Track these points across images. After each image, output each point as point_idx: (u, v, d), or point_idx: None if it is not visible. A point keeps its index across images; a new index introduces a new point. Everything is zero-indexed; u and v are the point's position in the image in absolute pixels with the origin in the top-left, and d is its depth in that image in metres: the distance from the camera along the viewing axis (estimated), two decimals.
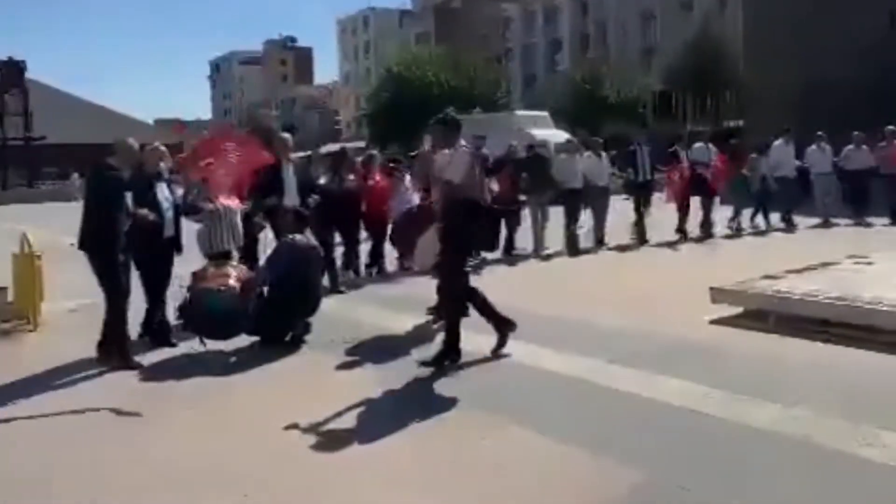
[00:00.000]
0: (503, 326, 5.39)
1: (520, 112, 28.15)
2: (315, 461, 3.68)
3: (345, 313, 6.78)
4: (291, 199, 7.28)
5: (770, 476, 3.34)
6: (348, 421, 4.19)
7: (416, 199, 8.10)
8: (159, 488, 3.44)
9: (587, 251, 10.70)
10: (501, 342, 5.40)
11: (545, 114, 27.86)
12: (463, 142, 5.36)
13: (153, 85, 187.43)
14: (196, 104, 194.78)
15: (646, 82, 41.85)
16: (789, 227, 12.39)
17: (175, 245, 5.95)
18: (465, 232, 5.18)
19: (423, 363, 5.16)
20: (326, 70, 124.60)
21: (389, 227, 8.07)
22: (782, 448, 3.62)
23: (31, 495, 3.43)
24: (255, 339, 5.73)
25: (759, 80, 26.01)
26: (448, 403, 4.44)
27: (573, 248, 10.67)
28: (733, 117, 34.60)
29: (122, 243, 5.41)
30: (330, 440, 3.92)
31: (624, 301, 7.07)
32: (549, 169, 10.74)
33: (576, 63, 50.22)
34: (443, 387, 4.74)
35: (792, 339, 5.44)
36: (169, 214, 5.85)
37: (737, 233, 12.04)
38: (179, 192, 6.28)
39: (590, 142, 12.10)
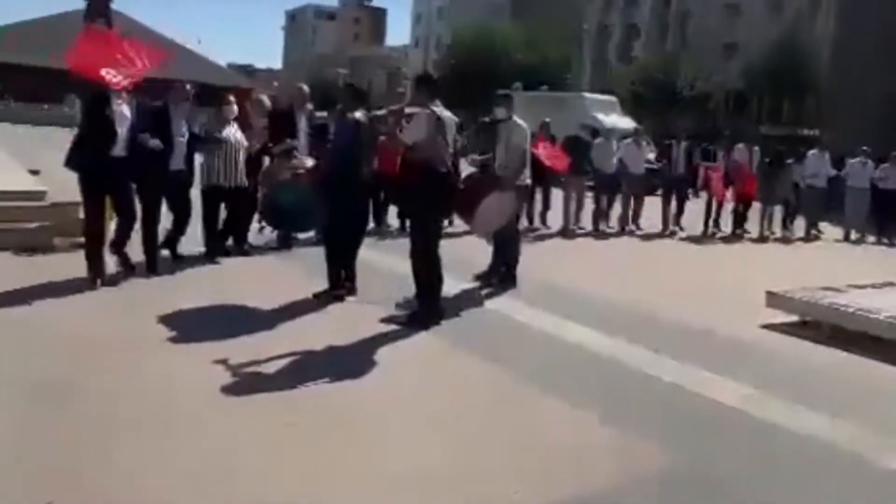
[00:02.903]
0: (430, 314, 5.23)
1: (588, 95, 27.53)
2: (351, 406, 3.81)
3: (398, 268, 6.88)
4: (301, 147, 7.40)
5: (801, 478, 3.35)
6: (386, 374, 4.32)
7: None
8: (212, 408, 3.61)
9: (614, 235, 11.04)
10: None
11: (614, 99, 27.25)
12: (438, 104, 5.24)
13: (230, 29, 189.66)
14: (269, 53, 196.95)
15: (722, 79, 40.64)
16: (813, 236, 12.43)
17: (186, 178, 6.29)
18: (421, 194, 5.12)
19: (395, 319, 5.19)
20: (397, 32, 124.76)
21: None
22: (818, 454, 3.60)
23: (60, 396, 3.64)
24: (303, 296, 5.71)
25: (842, 89, 25.05)
26: (488, 373, 4.51)
27: (599, 231, 10.97)
28: (810, 125, 33.46)
29: (112, 164, 5.55)
30: (370, 396, 4.05)
31: (667, 291, 7.05)
32: (588, 152, 11.09)
33: (651, 51, 49.00)
34: (483, 356, 4.79)
35: (845, 354, 5.33)
36: (181, 146, 6.13)
37: (764, 238, 11.90)
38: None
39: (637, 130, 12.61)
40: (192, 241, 6.81)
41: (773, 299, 6.14)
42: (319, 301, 5.60)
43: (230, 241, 7.10)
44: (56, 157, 5.99)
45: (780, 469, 3.42)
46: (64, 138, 6.60)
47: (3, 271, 5.83)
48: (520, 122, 6.70)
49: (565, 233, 10.66)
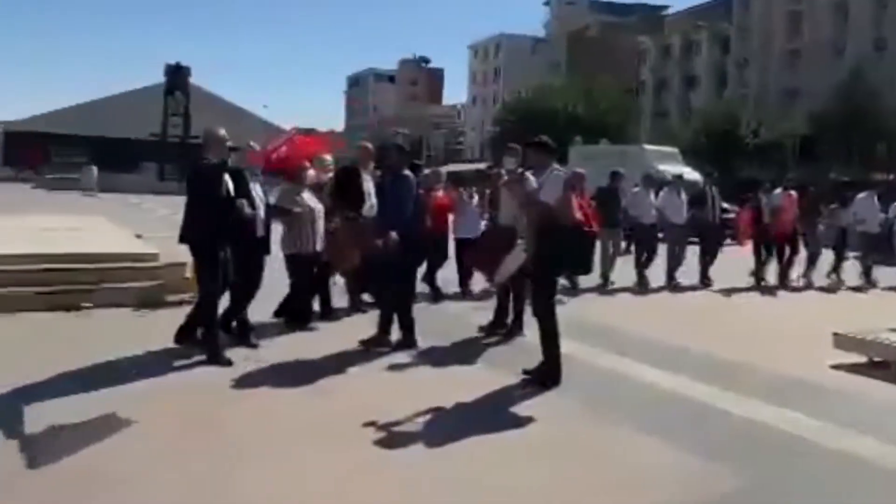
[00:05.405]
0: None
1: (649, 147, 27.81)
2: (434, 442, 4.22)
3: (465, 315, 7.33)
4: (369, 206, 6.97)
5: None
6: (471, 413, 4.74)
7: (478, 214, 8.75)
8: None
9: (657, 289, 10.34)
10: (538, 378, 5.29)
11: (675, 150, 27.48)
12: (556, 166, 5.54)
13: (294, 93, 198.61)
14: (331, 116, 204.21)
15: (788, 126, 40.14)
16: (868, 283, 11.68)
17: (264, 246, 6.07)
18: (556, 255, 5.31)
19: (525, 371, 5.36)
20: (455, 92, 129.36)
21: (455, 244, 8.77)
22: (887, 481, 3.84)
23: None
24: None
25: None
26: (564, 408, 4.88)
27: (642, 284, 10.39)
28: (884, 169, 32.72)
29: (225, 236, 5.45)
30: (451, 429, 4.46)
31: (727, 335, 7.23)
32: (620, 202, 10.58)
33: (711, 101, 49.03)
34: (558, 395, 5.15)
35: None
36: (261, 213, 5.95)
37: (807, 285, 11.31)
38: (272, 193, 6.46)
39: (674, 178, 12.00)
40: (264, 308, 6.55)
41: (841, 340, 6.31)
42: (368, 347, 5.93)
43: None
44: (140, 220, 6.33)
45: (848, 496, 3.67)
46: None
47: (126, 324, 6.59)
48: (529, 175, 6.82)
49: (604, 286, 10.14)
